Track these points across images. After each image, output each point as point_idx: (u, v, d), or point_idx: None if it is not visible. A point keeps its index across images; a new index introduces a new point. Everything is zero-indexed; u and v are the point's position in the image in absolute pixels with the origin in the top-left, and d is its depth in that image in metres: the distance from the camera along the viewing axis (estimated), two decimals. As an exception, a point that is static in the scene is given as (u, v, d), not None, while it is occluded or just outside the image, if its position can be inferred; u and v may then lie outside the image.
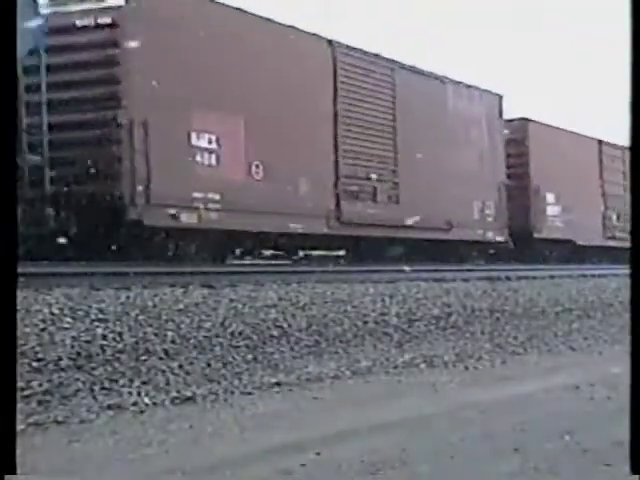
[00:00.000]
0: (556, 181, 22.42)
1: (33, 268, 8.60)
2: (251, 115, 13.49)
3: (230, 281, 9.96)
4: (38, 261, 9.70)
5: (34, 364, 5.71)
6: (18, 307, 5.90)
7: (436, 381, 6.30)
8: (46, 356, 5.88)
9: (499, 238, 20.08)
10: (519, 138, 21.99)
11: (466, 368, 7.08)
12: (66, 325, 6.70)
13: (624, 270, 4.01)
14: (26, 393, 5.12)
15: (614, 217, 25.24)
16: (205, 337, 7.12)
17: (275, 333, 7.68)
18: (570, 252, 23.10)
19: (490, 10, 61.23)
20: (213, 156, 12.89)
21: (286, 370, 6.53)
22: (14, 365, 2.89)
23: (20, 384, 5.04)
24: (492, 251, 20.28)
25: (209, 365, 6.42)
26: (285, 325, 7.99)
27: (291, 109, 14.45)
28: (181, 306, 7.98)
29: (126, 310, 7.46)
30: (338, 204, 15.43)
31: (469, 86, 19.71)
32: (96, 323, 6.88)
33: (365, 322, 8.77)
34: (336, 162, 15.47)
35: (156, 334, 6.89)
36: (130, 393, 5.45)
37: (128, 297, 8.07)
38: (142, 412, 5.03)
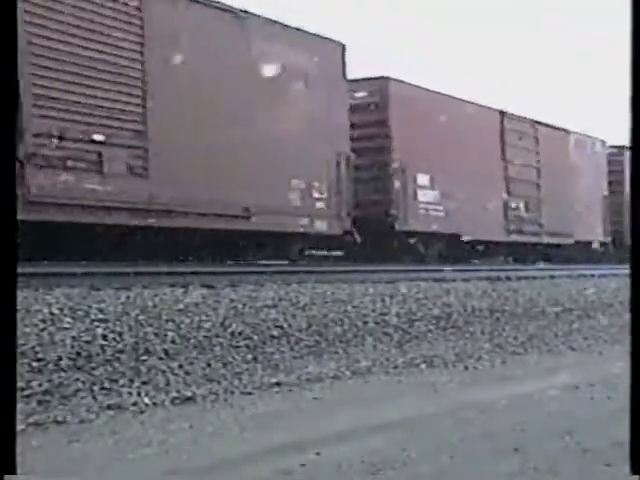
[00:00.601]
0: (433, 159, 17.76)
1: (33, 268, 8.60)
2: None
3: (230, 281, 9.97)
4: (38, 261, 9.69)
5: (34, 364, 5.71)
6: (18, 307, 5.92)
7: (436, 381, 6.29)
8: (46, 356, 5.88)
9: (335, 230, 15.41)
10: (378, 102, 17.30)
11: (466, 368, 7.08)
12: (66, 325, 6.70)
13: (624, 270, 4.01)
14: (26, 393, 5.12)
15: (521, 207, 21.44)
16: (205, 337, 7.12)
17: (275, 333, 7.68)
18: (452, 249, 19.04)
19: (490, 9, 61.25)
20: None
21: (286, 370, 6.53)
22: (14, 365, 2.89)
23: (20, 384, 5.05)
24: (325, 249, 16.67)
25: (209, 365, 6.42)
26: (285, 325, 7.99)
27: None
28: (181, 306, 7.98)
29: (126, 310, 7.46)
30: (23, 175, 10.47)
31: (285, 26, 14.58)
32: (96, 323, 6.88)
33: (365, 322, 8.77)
34: (25, 113, 10.55)
35: (156, 334, 6.89)
36: (130, 393, 5.45)
37: (128, 297, 8.07)
38: (142, 412, 5.03)
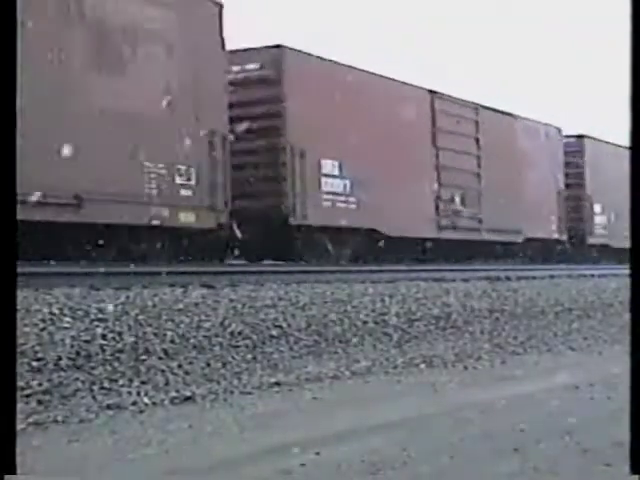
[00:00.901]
0: (343, 143, 15.30)
1: (33, 268, 8.60)
2: None
3: (230, 281, 9.97)
4: (38, 261, 9.68)
5: (34, 364, 5.71)
6: (18, 307, 5.93)
7: (436, 381, 6.29)
8: (46, 356, 5.88)
9: (206, 223, 12.81)
10: (272, 76, 14.72)
11: (465, 368, 7.08)
12: (66, 325, 6.70)
13: (624, 270, 4.01)
14: (26, 393, 5.12)
15: (457, 199, 18.86)
16: (205, 337, 7.12)
17: (275, 333, 7.68)
18: (372, 247, 16.63)
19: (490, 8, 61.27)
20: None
21: (285, 370, 6.53)
22: (14, 365, 2.89)
23: (20, 384, 5.05)
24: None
25: (208, 365, 6.42)
26: (285, 325, 7.99)
27: None
28: (181, 306, 7.98)
29: (126, 310, 7.46)
30: None
31: None
32: (96, 323, 6.88)
33: (365, 322, 8.77)
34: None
35: (156, 334, 6.89)
36: (129, 393, 5.45)
37: (128, 297, 8.07)
38: (141, 412, 5.03)
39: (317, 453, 4.02)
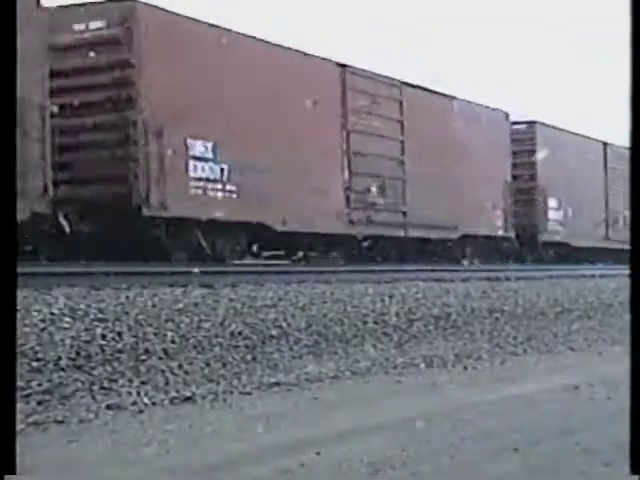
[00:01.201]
0: (217, 121, 12.92)
1: (33, 268, 8.61)
2: None
3: (229, 281, 9.96)
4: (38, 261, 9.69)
5: (34, 364, 5.71)
6: (18, 307, 5.93)
7: (436, 381, 6.30)
8: (46, 356, 5.88)
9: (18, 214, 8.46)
10: (121, 37, 12.16)
11: (465, 368, 7.08)
12: (66, 325, 6.70)
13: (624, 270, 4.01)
14: (26, 393, 5.12)
15: (373, 190, 16.29)
16: (204, 337, 7.12)
17: (274, 333, 7.68)
18: (265, 244, 14.66)
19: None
20: None
21: (285, 370, 6.53)
22: (14, 365, 2.89)
23: (20, 384, 5.05)
24: None
25: (208, 365, 6.42)
26: (284, 325, 7.99)
27: None
28: (180, 306, 7.98)
29: (126, 310, 7.46)
30: None
31: None
32: (96, 323, 6.88)
33: (365, 322, 8.78)
34: None
35: (155, 334, 6.89)
36: (129, 393, 5.45)
37: (128, 297, 8.07)
38: (141, 412, 5.02)
39: (317, 453, 4.02)
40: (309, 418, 5.05)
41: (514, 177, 21.05)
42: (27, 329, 6.34)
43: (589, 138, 24.83)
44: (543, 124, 22.60)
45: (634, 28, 2.64)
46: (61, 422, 4.69)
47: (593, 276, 16.93)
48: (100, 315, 7.13)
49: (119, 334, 6.69)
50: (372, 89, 16.50)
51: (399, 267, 15.33)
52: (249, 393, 5.70)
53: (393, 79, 17.26)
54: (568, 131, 23.55)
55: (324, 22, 51.98)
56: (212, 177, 12.96)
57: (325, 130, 15.36)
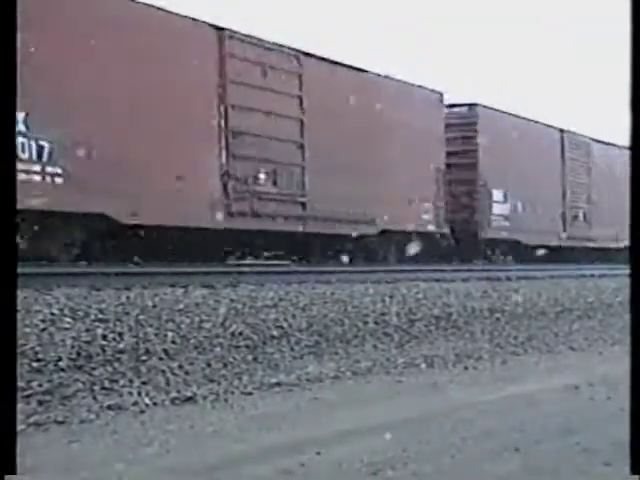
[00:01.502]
0: (36, 88, 9.78)
1: (33, 268, 8.61)
2: None
3: (230, 281, 9.97)
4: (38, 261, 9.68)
5: (34, 364, 5.71)
6: (18, 307, 5.93)
7: (436, 381, 6.30)
8: (46, 356, 5.88)
9: None
10: None
11: (466, 368, 7.08)
12: (66, 325, 6.70)
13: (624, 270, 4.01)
14: (26, 393, 5.12)
15: (261, 177, 13.82)
16: (205, 337, 7.12)
17: (275, 333, 7.68)
18: (110, 240, 12.18)
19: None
20: None
21: (286, 370, 6.53)
22: (14, 365, 2.89)
23: (20, 384, 5.05)
24: None
25: (209, 365, 6.42)
26: (285, 325, 7.99)
27: None
28: (181, 306, 7.99)
29: (126, 310, 7.47)
30: None
31: None
32: (96, 323, 6.88)
33: (365, 322, 8.77)
34: None
35: (156, 334, 6.89)
36: (130, 393, 5.45)
37: (128, 297, 8.07)
38: (142, 412, 5.03)
39: (317, 453, 4.03)
40: (310, 418, 5.05)
41: (451, 166, 18.51)
42: (28, 329, 6.34)
43: (543, 124, 22.00)
44: (486, 107, 19.94)
45: (634, 28, 2.64)
46: (62, 422, 4.69)
47: (593, 276, 16.94)
48: (101, 315, 7.14)
49: (120, 334, 6.70)
50: (261, 58, 13.97)
51: (399, 267, 15.33)
52: (250, 393, 5.70)
53: (290, 48, 14.58)
54: (517, 116, 20.87)
55: (324, 22, 51.97)
56: (27, 158, 10.43)
57: (195, 105, 12.80)
